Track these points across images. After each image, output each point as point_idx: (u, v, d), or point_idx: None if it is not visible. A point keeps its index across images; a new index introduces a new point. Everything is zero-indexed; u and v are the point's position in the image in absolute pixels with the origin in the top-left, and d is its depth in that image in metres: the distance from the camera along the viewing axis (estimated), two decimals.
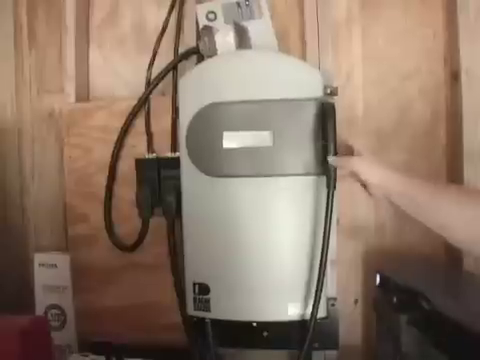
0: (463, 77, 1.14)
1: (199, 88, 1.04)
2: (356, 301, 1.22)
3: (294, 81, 1.02)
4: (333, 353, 1.16)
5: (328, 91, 1.03)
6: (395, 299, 0.99)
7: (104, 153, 1.23)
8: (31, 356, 0.94)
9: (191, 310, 1.07)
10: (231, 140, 1.00)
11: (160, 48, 1.24)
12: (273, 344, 1.12)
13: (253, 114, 1.00)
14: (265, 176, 1.00)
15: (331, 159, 0.93)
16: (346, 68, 1.23)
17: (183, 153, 1.04)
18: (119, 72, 1.32)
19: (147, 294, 1.23)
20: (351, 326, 1.20)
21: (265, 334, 1.10)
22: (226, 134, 1.00)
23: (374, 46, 1.23)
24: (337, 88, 1.04)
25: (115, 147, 1.21)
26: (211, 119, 1.01)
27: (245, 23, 1.17)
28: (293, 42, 1.24)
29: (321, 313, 1.03)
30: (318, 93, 1.01)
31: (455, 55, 1.16)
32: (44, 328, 1.04)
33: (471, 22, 1.14)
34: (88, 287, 1.27)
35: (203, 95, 1.03)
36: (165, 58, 1.22)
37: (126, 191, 1.21)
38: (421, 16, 1.22)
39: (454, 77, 1.18)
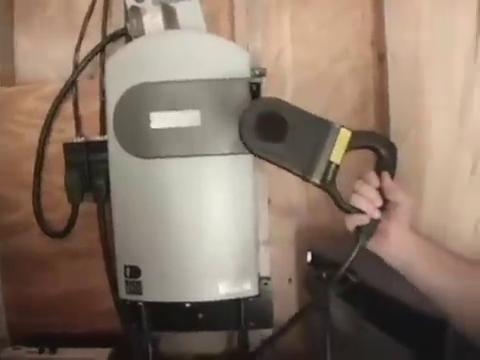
0: (389, 59, 1.17)
1: (126, 69, 1.03)
2: (290, 280, 1.23)
3: (222, 61, 1.02)
4: (268, 332, 1.17)
5: (257, 72, 1.04)
6: (324, 274, 1.01)
7: (33, 138, 1.21)
8: None
9: (123, 294, 1.05)
10: (159, 120, 0.99)
11: (89, 30, 1.22)
12: (208, 325, 1.12)
13: (181, 94, 0.99)
14: (194, 156, 0.99)
15: (387, 176, 0.80)
16: (275, 51, 1.23)
17: (110, 135, 1.02)
18: (47, 55, 1.28)
19: (81, 281, 1.22)
20: (286, 305, 1.21)
21: (200, 316, 1.10)
22: (153, 114, 0.99)
23: (303, 30, 1.24)
24: (265, 69, 1.05)
25: (42, 132, 1.19)
26: (138, 100, 1.00)
27: (173, 4, 1.15)
28: (223, 26, 1.24)
29: (252, 291, 1.04)
30: (246, 73, 1.02)
31: (381, 38, 1.18)
32: None
33: (396, 5, 1.17)
34: (19, 277, 1.24)
35: (130, 76, 1.01)
36: (95, 41, 1.19)
37: (56, 177, 1.19)
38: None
39: (381, 59, 1.20)
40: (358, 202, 0.80)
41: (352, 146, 0.83)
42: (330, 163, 0.82)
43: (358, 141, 0.83)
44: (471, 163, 1.18)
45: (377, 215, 0.79)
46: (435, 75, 1.18)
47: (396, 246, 0.79)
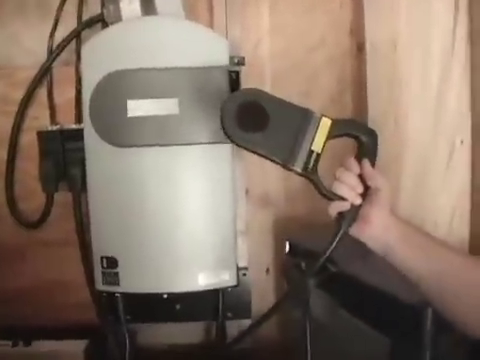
0: (368, 48, 1.17)
1: (102, 55, 1.00)
2: (268, 270, 1.23)
3: (201, 49, 1.00)
4: (246, 322, 1.17)
5: (235, 60, 1.03)
6: (303, 264, 1.01)
7: (5, 125, 1.17)
8: None
9: (100, 285, 1.03)
10: (136, 108, 0.97)
11: (64, 16, 1.18)
12: (186, 316, 1.12)
13: (158, 82, 0.97)
14: (171, 145, 0.98)
15: (367, 163, 0.82)
16: (254, 40, 1.22)
17: (86, 123, 1.00)
18: (21, 41, 1.23)
19: (57, 272, 1.20)
20: (264, 295, 1.21)
21: (178, 307, 1.10)
22: (130, 102, 0.97)
23: (281, 19, 1.23)
24: (244, 58, 1.04)
25: (15, 119, 1.16)
26: (115, 87, 0.98)
27: None
28: (201, 15, 1.22)
29: (231, 282, 1.03)
30: (225, 61, 1.01)
31: (360, 27, 1.19)
32: None
33: None
34: None
35: (107, 63, 0.99)
36: (70, 26, 1.16)
37: (30, 165, 1.16)
38: None
39: (359, 48, 1.20)
40: (340, 189, 0.81)
41: (333, 134, 0.83)
42: (311, 152, 0.83)
43: (339, 129, 0.84)
44: (447, 155, 1.20)
45: (359, 201, 0.80)
46: (413, 66, 1.20)
47: (377, 230, 0.80)
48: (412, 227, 0.81)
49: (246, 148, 0.84)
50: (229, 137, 0.84)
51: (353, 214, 0.81)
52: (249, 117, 0.84)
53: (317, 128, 0.83)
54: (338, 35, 1.23)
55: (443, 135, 1.20)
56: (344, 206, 0.81)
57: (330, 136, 0.83)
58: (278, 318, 1.20)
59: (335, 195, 0.81)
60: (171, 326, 1.20)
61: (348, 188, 0.81)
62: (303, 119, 0.84)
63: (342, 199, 0.81)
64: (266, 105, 0.84)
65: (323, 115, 0.83)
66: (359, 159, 0.82)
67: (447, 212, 1.20)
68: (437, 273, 0.76)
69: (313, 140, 0.83)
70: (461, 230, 1.20)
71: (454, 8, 1.20)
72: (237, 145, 0.85)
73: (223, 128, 0.84)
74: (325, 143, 0.83)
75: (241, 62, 1.03)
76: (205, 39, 1.02)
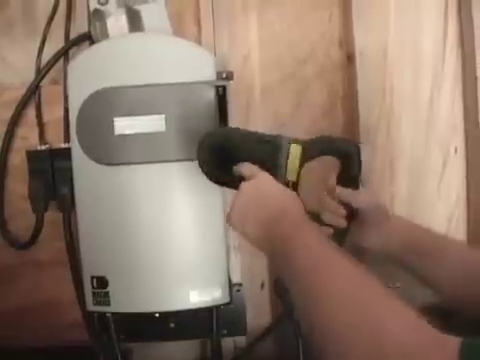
0: (358, 59, 1.16)
1: (89, 73, 1.00)
2: (262, 285, 1.21)
3: (187, 65, 1.00)
4: (242, 339, 1.16)
5: (223, 75, 1.02)
6: None
7: None
8: None
9: (90, 305, 1.03)
10: (123, 126, 0.97)
11: (52, 34, 1.17)
12: (180, 335, 1.11)
13: (145, 99, 0.97)
14: (159, 162, 0.97)
15: (342, 190, 0.80)
16: (242, 53, 1.21)
17: (74, 142, 1.00)
18: (7, 60, 1.23)
19: (48, 292, 1.18)
20: (259, 311, 1.19)
21: (172, 325, 1.08)
22: (117, 120, 0.96)
23: (270, 31, 1.22)
24: (232, 73, 1.04)
25: (4, 140, 1.14)
26: (101, 105, 0.98)
27: (138, 7, 1.13)
28: (189, 29, 1.20)
29: (224, 299, 1.02)
30: (211, 77, 1.00)
31: (350, 38, 1.18)
32: None
33: (364, 5, 1.16)
34: None
35: (93, 80, 0.99)
36: (58, 45, 1.15)
37: (20, 186, 1.15)
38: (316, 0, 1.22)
39: (349, 59, 1.19)
40: (323, 215, 0.80)
41: (307, 158, 0.81)
42: (287, 182, 0.81)
43: (312, 151, 0.82)
44: (441, 163, 1.19)
45: (343, 224, 0.80)
46: (404, 74, 1.20)
47: (376, 245, 0.81)
48: (416, 229, 0.84)
49: (227, 187, 0.86)
50: (211, 180, 0.86)
51: (341, 237, 0.80)
52: (223, 159, 0.84)
53: (288, 157, 0.81)
54: (328, 47, 1.22)
55: (437, 143, 1.20)
56: (329, 231, 0.79)
57: (304, 160, 0.81)
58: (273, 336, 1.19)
59: (320, 221, 0.80)
60: (166, 344, 1.18)
61: (330, 214, 0.80)
62: (273, 151, 0.82)
63: (326, 225, 0.80)
64: (235, 145, 0.84)
65: (293, 141, 0.82)
66: (342, 176, 0.81)
67: (443, 220, 1.20)
68: (447, 270, 0.77)
69: (286, 170, 0.81)
70: (458, 238, 1.18)
71: (443, 16, 1.19)
72: (221, 185, 0.88)
73: (202, 170, 0.86)
74: (300, 169, 0.81)
75: (229, 77, 1.02)
76: (191, 55, 1.01)
